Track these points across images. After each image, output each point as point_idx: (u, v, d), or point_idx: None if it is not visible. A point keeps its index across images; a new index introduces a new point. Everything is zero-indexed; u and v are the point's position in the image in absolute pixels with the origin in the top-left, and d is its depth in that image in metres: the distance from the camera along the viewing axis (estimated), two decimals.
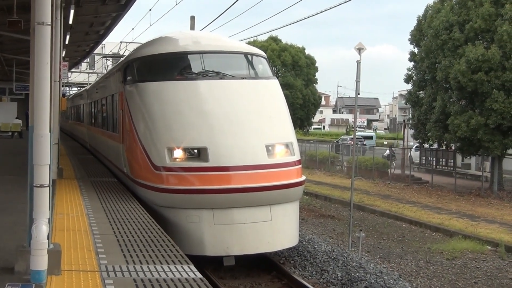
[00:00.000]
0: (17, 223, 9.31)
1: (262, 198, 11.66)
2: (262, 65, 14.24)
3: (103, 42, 36.02)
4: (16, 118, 38.26)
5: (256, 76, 13.85)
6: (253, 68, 14.00)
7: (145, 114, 12.73)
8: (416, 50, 33.61)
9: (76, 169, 18.92)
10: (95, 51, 39.23)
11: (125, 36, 72.84)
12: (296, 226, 12.82)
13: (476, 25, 27.68)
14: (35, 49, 6.58)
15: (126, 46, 34.70)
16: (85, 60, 47.78)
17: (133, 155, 13.33)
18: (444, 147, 35.50)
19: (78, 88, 52.77)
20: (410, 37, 33.95)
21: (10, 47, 27.78)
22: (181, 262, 7.79)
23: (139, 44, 17.97)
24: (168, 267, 7.49)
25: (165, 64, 13.47)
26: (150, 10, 30.44)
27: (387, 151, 43.47)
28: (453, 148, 34.62)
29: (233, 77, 13.24)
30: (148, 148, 12.28)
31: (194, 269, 7.47)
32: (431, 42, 30.16)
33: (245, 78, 13.48)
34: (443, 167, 36.55)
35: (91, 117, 24.25)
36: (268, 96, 13.35)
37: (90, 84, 35.30)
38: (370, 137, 61.26)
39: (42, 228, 6.49)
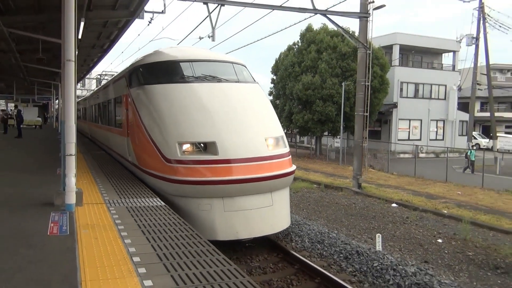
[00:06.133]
0: (46, 181, 9.06)
1: (266, 186, 9.91)
2: (245, 72, 12.11)
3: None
4: (38, 117, 38.74)
5: (244, 81, 11.78)
6: (240, 74, 11.92)
7: (153, 112, 10.45)
8: (274, 77, 35.74)
9: (79, 146, 18.54)
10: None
11: (104, 69, 67.65)
12: (289, 209, 11.03)
13: (307, 64, 30.43)
14: (65, 77, 6.50)
15: (106, 74, 34.94)
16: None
17: (142, 149, 10.95)
18: (290, 131, 38.67)
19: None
20: (271, 69, 36.22)
21: (34, 74, 27.80)
22: (150, 196, 7.99)
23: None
24: (150, 200, 7.62)
25: (169, 70, 11.21)
26: (122, 52, 30.08)
27: None
28: (295, 132, 37.44)
29: (227, 81, 11.26)
30: (159, 142, 10.13)
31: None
32: (283, 72, 32.52)
33: (238, 82, 11.50)
34: (289, 143, 37.87)
35: (92, 116, 22.18)
36: (256, 97, 11.30)
37: (84, 95, 34.22)
38: None
39: (71, 179, 6.57)
